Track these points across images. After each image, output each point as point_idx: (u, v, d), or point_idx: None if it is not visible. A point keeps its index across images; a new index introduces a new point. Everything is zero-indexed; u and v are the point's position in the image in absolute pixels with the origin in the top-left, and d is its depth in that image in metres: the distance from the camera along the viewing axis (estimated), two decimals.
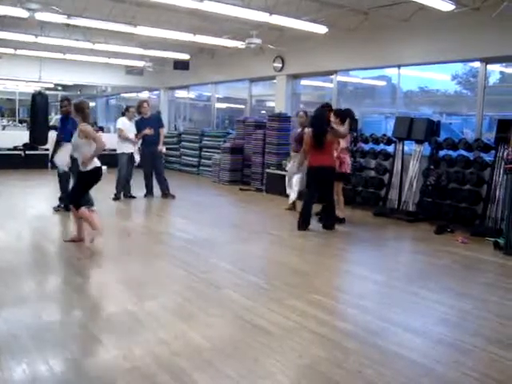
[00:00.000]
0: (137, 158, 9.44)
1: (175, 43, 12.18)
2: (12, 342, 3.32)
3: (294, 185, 8.59)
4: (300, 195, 8.35)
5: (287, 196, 8.99)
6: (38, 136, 13.42)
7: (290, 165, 8.72)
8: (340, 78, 10.92)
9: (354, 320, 4.01)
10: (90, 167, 5.84)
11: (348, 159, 7.87)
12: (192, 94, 16.97)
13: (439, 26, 8.27)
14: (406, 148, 8.89)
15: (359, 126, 10.14)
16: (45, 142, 13.75)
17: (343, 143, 7.63)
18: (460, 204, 7.79)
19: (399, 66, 9.49)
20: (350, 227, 7.62)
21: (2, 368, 2.98)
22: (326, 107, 7.92)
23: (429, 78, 10.11)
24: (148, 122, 9.61)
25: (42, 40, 11.22)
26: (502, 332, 3.85)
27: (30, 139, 13.47)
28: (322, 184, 7.25)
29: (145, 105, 9.72)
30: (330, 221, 7.34)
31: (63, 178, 7.94)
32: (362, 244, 6.88)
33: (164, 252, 6.02)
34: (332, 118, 7.48)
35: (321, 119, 7.23)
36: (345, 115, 7.63)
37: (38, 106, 13.40)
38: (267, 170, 11.21)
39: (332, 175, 7.28)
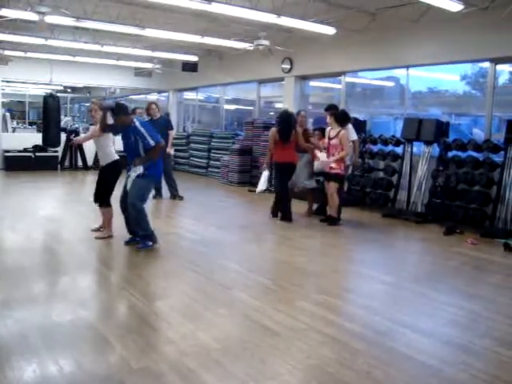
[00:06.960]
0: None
1: (183, 45, 12.22)
2: (22, 342, 3.35)
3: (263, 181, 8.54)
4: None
5: (296, 198, 8.82)
6: (50, 138, 13.58)
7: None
8: (348, 79, 10.90)
9: (362, 321, 4.01)
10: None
11: (348, 161, 7.89)
12: (201, 96, 17.00)
13: (448, 26, 8.23)
14: (414, 149, 8.86)
15: (368, 127, 10.12)
16: (57, 144, 13.87)
17: (349, 149, 7.69)
18: (469, 205, 7.74)
19: (407, 67, 9.47)
20: (358, 228, 7.61)
21: (13, 368, 3.01)
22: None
23: (437, 79, 10.06)
24: (157, 124, 9.62)
25: (51, 43, 11.30)
26: None
27: (42, 141, 13.64)
28: (285, 178, 7.88)
29: (153, 106, 9.70)
30: (285, 213, 7.91)
31: None
32: (371, 245, 6.87)
33: (172, 252, 6.03)
34: (328, 118, 7.77)
35: (289, 118, 7.85)
36: (342, 117, 7.71)
37: (49, 108, 13.57)
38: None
39: (293, 170, 7.91)
